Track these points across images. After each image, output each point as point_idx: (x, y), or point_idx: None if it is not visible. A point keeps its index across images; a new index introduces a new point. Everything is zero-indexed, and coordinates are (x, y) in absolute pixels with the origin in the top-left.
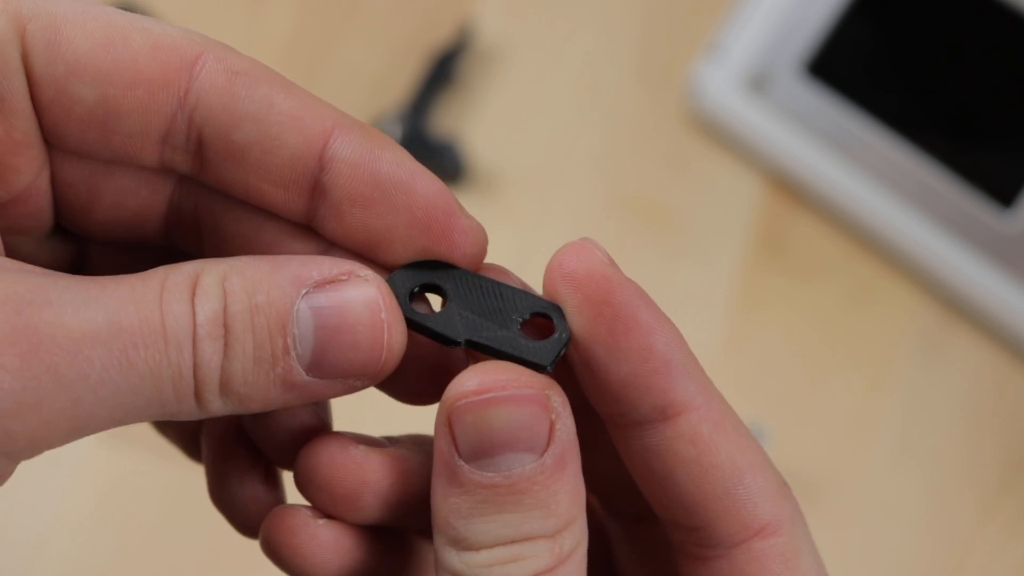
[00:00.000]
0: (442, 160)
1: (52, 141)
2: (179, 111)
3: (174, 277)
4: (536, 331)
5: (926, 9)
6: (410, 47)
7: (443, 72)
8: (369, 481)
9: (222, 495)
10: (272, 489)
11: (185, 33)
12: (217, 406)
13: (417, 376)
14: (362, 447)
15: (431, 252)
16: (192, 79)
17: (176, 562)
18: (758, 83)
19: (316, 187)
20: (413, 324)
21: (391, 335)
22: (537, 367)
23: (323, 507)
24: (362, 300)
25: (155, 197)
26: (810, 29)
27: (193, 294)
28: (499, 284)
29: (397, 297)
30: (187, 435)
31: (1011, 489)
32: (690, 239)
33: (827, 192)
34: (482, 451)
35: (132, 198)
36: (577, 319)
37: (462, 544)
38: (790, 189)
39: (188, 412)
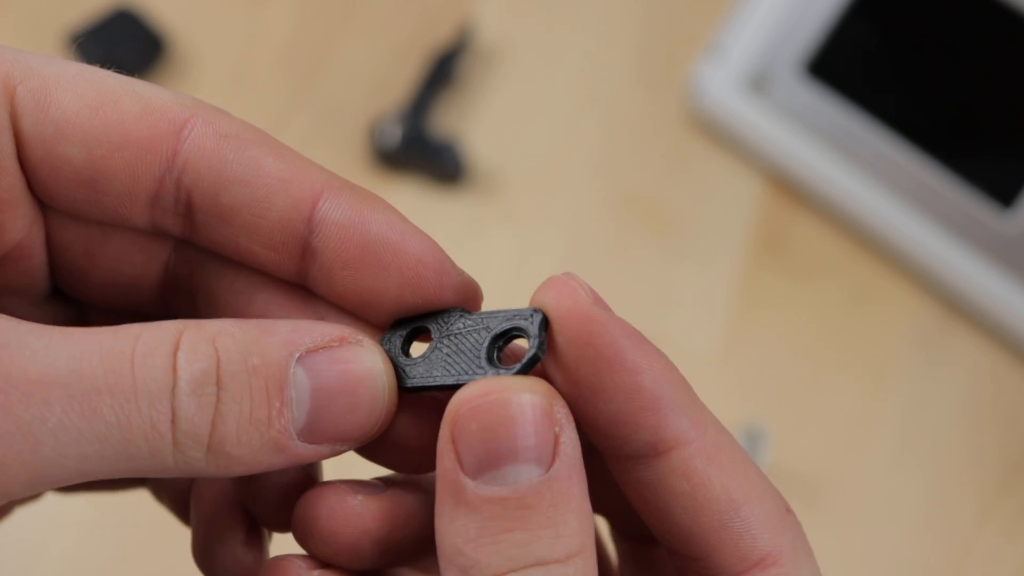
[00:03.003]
0: (442, 160)
1: (45, 200)
2: (167, 173)
3: (152, 332)
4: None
5: (926, 9)
6: (410, 47)
7: (443, 72)
8: (370, 530)
9: (205, 557)
10: (256, 552)
11: (177, 97)
12: (199, 466)
13: (410, 446)
14: (360, 496)
15: (424, 310)
16: (180, 142)
17: (176, 562)
18: (758, 83)
19: (306, 249)
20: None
21: (389, 396)
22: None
23: (323, 558)
24: (359, 363)
25: (150, 263)
26: (810, 29)
27: (176, 349)
28: (480, 316)
29: (391, 357)
30: (180, 500)
31: (1011, 489)
32: (690, 239)
33: (827, 192)
34: (487, 462)
35: (127, 264)
36: (560, 360)
37: (471, 572)
38: (790, 189)
39: (164, 469)
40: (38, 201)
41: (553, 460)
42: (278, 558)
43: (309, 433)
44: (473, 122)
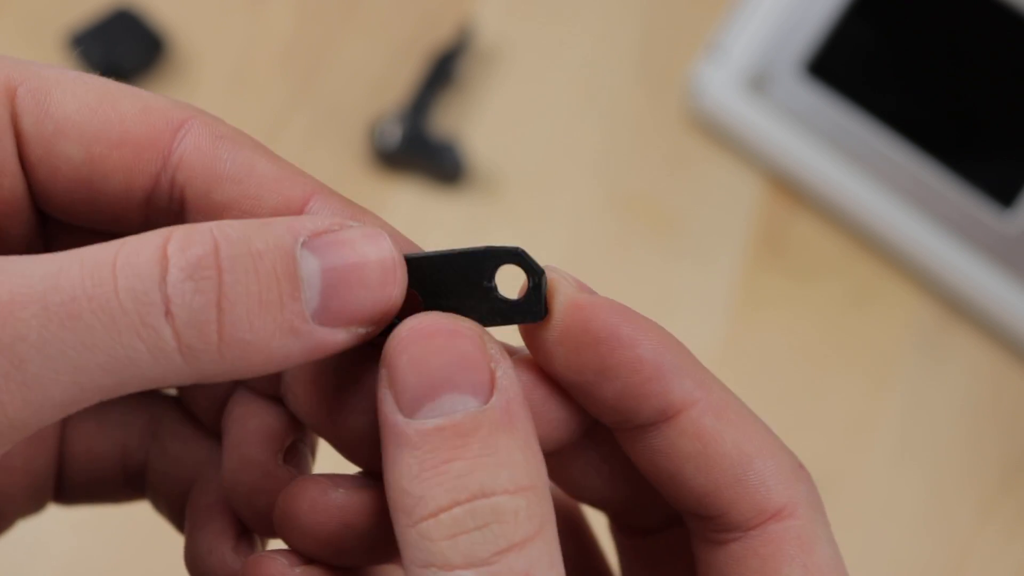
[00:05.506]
0: (442, 160)
1: (42, 206)
2: (163, 171)
3: (139, 236)
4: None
5: (926, 9)
6: (410, 47)
7: (443, 72)
8: (352, 524)
9: (195, 562)
10: (245, 558)
11: (174, 101)
12: (212, 360)
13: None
14: (342, 490)
15: None
16: (177, 141)
17: (176, 562)
18: (758, 83)
19: None
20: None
21: (398, 270)
22: (531, 320)
23: (306, 552)
24: (365, 239)
25: None
26: (810, 29)
27: (166, 242)
28: (457, 254)
29: None
30: (177, 508)
31: (1011, 489)
32: (690, 239)
33: (827, 192)
34: (422, 394)
35: None
36: (560, 350)
37: (417, 511)
38: (790, 189)
39: (177, 372)
40: (37, 212)
41: (491, 393)
42: (260, 555)
43: (324, 314)
44: (473, 122)
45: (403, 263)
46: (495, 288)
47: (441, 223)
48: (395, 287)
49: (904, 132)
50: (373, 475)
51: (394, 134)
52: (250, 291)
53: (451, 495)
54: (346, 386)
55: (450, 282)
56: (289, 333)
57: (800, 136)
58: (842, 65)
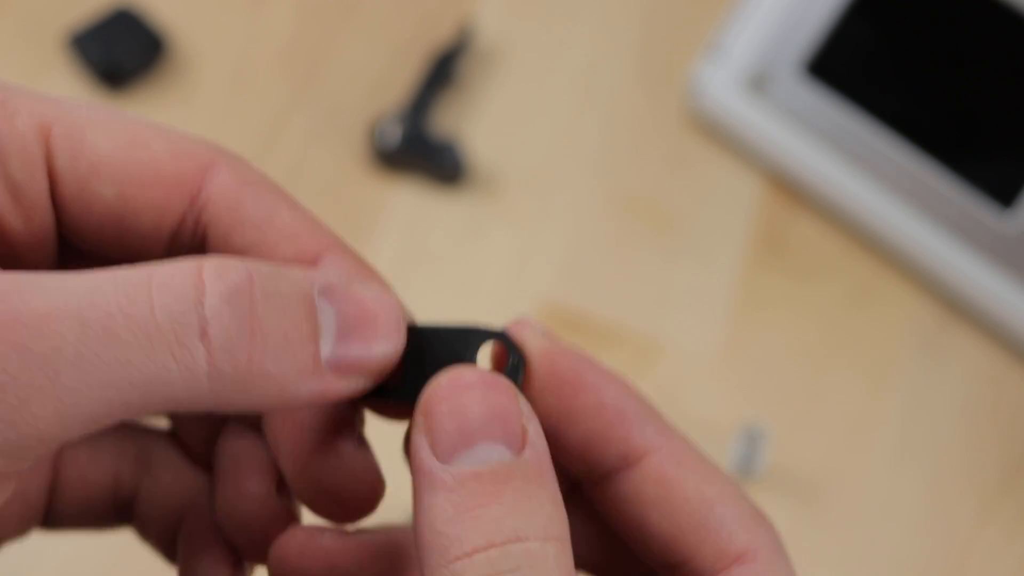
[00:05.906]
0: (442, 160)
1: (70, 238)
2: (189, 210)
3: (169, 264)
4: (498, 360)
5: (926, 9)
6: (410, 47)
7: (443, 72)
8: (339, 567)
9: None
10: None
11: (202, 141)
12: (234, 387)
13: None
14: (328, 535)
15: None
16: (205, 182)
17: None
18: (758, 83)
19: None
20: (376, 402)
21: (403, 328)
22: None
23: None
24: (375, 294)
25: None
26: (810, 29)
27: (200, 268)
28: (445, 328)
29: None
30: (165, 538)
31: (1011, 489)
32: (690, 239)
33: (827, 192)
34: (459, 441)
35: None
36: (527, 394)
37: (451, 551)
38: (790, 189)
39: (199, 396)
40: (60, 242)
41: (523, 446)
42: None
43: (335, 361)
44: (473, 122)
45: (406, 319)
46: (475, 364)
47: (441, 223)
48: (399, 344)
49: (904, 132)
50: (362, 529)
51: (394, 134)
52: (279, 325)
53: (486, 537)
54: (317, 441)
55: (434, 353)
56: (304, 373)
57: (800, 136)
58: (842, 65)
